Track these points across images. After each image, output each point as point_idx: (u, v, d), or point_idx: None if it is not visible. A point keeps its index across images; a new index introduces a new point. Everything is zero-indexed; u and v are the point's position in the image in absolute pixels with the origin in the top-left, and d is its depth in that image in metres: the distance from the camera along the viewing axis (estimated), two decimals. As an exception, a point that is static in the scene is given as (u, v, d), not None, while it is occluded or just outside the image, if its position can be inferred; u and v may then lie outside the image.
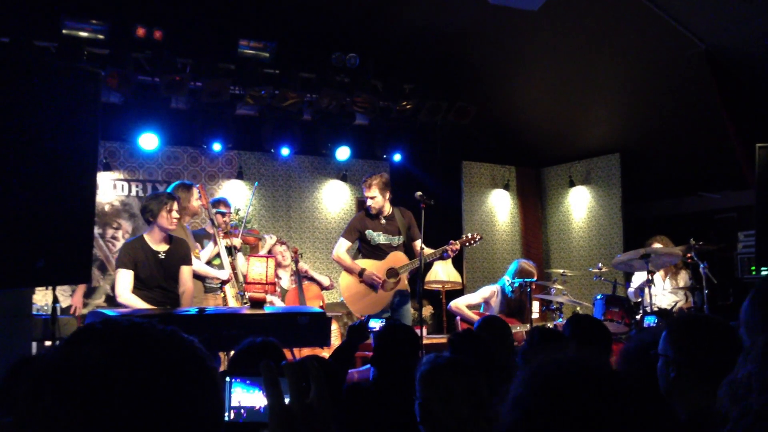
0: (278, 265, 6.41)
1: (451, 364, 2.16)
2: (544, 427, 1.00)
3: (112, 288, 6.89)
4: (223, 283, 5.42)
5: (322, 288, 6.58)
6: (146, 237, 4.63)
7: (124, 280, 4.45)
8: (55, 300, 3.94)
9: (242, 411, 1.04)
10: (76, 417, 0.71)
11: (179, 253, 4.71)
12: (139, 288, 4.49)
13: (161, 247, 4.63)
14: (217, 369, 0.86)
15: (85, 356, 0.75)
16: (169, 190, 5.25)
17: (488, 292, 6.24)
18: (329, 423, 0.93)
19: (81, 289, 6.47)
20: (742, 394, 1.14)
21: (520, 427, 1.01)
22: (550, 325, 6.17)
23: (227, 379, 1.04)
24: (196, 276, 5.08)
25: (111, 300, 6.92)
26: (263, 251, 6.18)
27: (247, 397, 1.04)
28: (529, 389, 1.05)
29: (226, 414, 1.03)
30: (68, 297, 6.42)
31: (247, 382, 1.04)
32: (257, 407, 1.04)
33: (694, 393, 1.79)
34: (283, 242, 6.73)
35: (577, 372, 1.04)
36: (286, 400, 0.92)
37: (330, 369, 2.61)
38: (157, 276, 4.56)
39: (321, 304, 6.36)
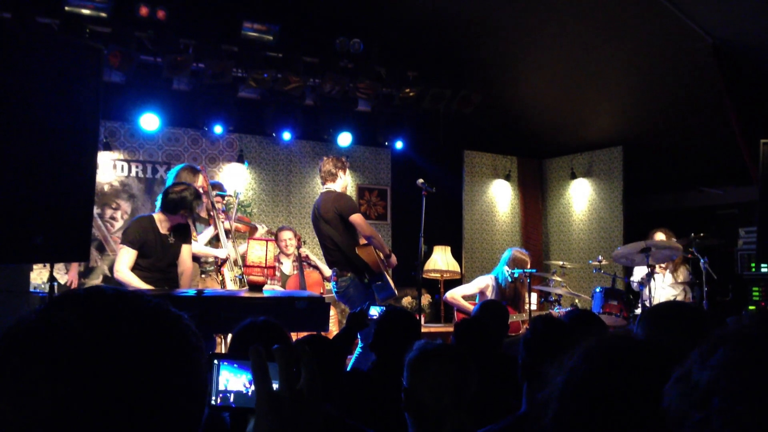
0: (281, 252, 6.40)
1: (441, 352, 2.12)
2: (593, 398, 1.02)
3: (110, 268, 6.90)
4: (222, 263, 5.39)
5: (324, 276, 6.54)
6: (156, 218, 4.55)
7: (126, 258, 4.38)
8: (52, 278, 3.92)
9: (229, 395, 1.00)
10: (44, 384, 0.69)
11: (183, 236, 4.69)
12: (139, 269, 4.43)
13: (168, 232, 4.59)
14: (203, 348, 0.82)
15: (61, 322, 0.72)
16: (174, 171, 5.18)
17: (483, 282, 6.26)
18: (319, 411, 0.89)
19: (75, 266, 6.44)
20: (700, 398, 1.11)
21: (571, 401, 1.03)
22: (547, 315, 6.17)
23: (215, 361, 0.99)
24: (194, 258, 5.05)
25: (108, 280, 6.90)
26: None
27: (234, 381, 1.00)
28: (581, 362, 1.07)
29: (213, 398, 0.99)
30: (64, 275, 6.41)
31: (235, 365, 1.00)
32: (245, 392, 1.00)
33: None
34: (290, 228, 6.65)
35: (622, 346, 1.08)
36: (276, 386, 0.88)
37: (332, 348, 2.59)
38: (161, 260, 4.52)
39: (321, 291, 6.32)
